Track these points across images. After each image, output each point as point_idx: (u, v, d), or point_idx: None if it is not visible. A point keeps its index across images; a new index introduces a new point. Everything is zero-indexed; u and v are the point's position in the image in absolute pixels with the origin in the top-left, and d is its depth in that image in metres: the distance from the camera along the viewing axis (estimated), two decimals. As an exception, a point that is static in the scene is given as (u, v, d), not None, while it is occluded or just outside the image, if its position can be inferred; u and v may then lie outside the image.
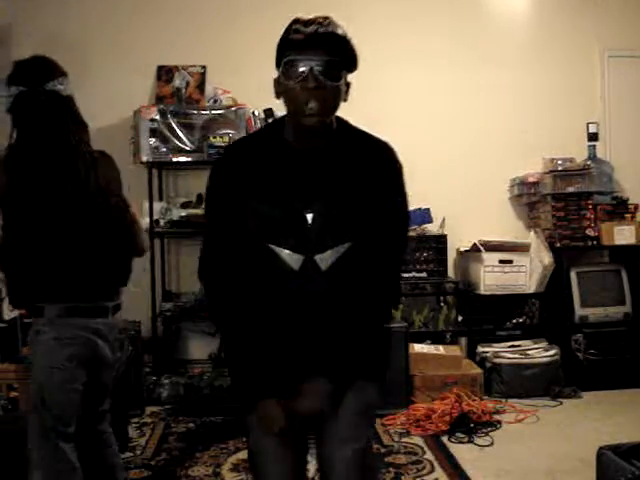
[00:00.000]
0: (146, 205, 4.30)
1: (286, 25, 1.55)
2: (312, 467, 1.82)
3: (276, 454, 1.65)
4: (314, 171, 1.59)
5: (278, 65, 1.57)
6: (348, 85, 1.60)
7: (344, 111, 1.65)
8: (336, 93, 1.55)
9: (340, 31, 1.53)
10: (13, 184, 2.09)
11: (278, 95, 1.60)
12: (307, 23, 1.51)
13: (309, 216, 1.57)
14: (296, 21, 1.54)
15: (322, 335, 1.60)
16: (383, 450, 3.37)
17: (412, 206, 5.03)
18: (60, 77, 2.16)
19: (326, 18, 1.53)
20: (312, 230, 1.57)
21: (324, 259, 1.58)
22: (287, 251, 1.57)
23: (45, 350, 2.09)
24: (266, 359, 1.59)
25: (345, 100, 1.60)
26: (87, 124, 2.26)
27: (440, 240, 4.55)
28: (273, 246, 1.58)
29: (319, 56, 1.51)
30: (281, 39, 1.55)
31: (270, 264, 1.59)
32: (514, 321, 4.56)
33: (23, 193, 2.09)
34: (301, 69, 1.51)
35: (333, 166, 1.60)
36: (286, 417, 1.58)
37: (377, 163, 1.65)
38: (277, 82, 1.59)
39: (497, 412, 3.88)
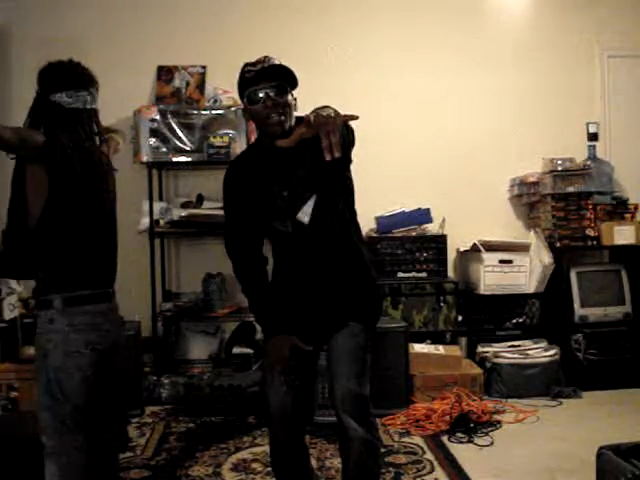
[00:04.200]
0: (146, 205, 4.30)
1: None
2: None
3: (279, 386, 2.17)
4: (283, 161, 2.15)
5: (242, 98, 2.16)
6: (295, 99, 2.15)
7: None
8: (287, 105, 2.11)
9: (278, 62, 2.09)
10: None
11: (247, 119, 2.28)
12: (254, 64, 2.10)
13: (284, 193, 2.15)
14: (246, 65, 2.13)
15: (319, 281, 2.19)
16: (383, 450, 3.36)
17: (412, 206, 5.04)
18: (70, 90, 2.19)
19: (266, 57, 2.11)
20: (288, 200, 2.15)
21: (303, 215, 2.15)
22: (280, 221, 2.17)
23: (61, 337, 2.12)
24: (277, 308, 2.19)
25: (296, 110, 2.15)
26: (95, 134, 2.28)
27: (440, 240, 4.54)
28: (272, 222, 2.19)
29: (268, 83, 2.08)
30: (239, 81, 2.14)
31: (275, 234, 2.22)
32: (514, 321, 4.56)
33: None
34: (260, 95, 2.09)
35: (293, 154, 2.11)
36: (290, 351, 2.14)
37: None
38: (244, 110, 2.19)
39: (497, 412, 3.88)
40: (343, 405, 2.12)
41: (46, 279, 2.17)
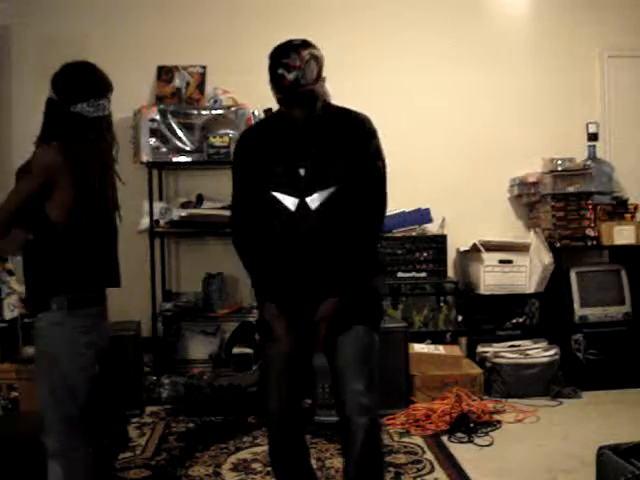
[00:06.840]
0: (146, 205, 4.30)
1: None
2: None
3: (281, 370, 2.16)
4: (305, 137, 2.12)
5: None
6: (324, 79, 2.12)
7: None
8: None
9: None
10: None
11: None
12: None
13: (301, 170, 2.10)
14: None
15: (315, 265, 2.11)
16: (383, 450, 3.36)
17: (412, 206, 5.01)
18: (91, 99, 2.17)
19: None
20: (303, 179, 2.10)
21: (313, 200, 2.09)
22: (284, 195, 2.10)
23: (68, 339, 2.14)
24: (270, 277, 2.15)
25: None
26: (113, 142, 2.28)
27: (440, 240, 4.55)
28: (275, 193, 2.11)
29: None
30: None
31: (274, 207, 2.11)
32: (514, 321, 4.56)
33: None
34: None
35: (319, 133, 2.12)
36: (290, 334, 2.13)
37: (353, 129, 2.17)
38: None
39: (497, 412, 3.88)
40: (353, 410, 2.13)
41: (48, 280, 2.16)
